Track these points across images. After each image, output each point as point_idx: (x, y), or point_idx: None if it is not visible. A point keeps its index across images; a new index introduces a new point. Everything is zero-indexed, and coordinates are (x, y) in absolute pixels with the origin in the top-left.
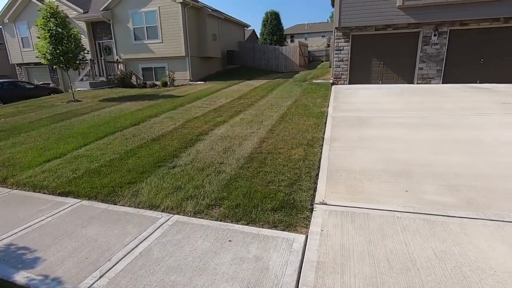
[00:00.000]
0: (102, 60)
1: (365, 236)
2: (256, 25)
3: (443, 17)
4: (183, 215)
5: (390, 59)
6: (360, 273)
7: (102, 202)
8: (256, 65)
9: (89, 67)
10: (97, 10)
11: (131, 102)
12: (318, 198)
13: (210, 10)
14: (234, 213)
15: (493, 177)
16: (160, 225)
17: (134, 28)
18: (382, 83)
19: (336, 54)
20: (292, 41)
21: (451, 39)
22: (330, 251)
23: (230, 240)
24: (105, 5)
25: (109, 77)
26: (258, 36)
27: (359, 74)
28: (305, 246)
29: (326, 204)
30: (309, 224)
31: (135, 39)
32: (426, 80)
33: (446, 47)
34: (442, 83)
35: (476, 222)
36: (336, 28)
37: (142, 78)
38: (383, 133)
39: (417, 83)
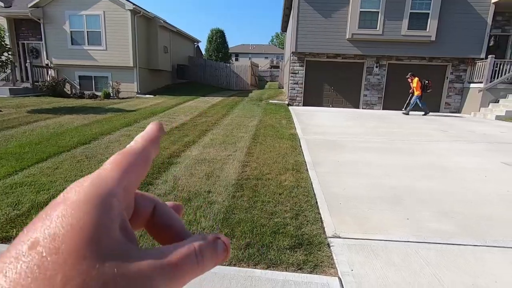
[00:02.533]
0: (28, 64)
1: (397, 273)
2: (201, 41)
3: (383, 52)
4: None
5: (340, 85)
6: None
7: None
8: (207, 81)
9: (9, 71)
10: (24, 6)
11: (72, 115)
12: (328, 231)
13: (162, 21)
14: (248, 255)
15: (475, 203)
16: None
17: (71, 31)
18: (332, 106)
19: (291, 76)
20: (237, 59)
21: (390, 71)
22: None
23: None
24: (35, 1)
25: (36, 83)
26: (203, 52)
27: (312, 97)
28: None
29: (339, 237)
30: (334, 263)
31: (72, 43)
32: (369, 105)
33: (386, 78)
34: (383, 109)
35: (483, 249)
36: (292, 52)
37: (78, 87)
38: (359, 157)
39: (362, 108)
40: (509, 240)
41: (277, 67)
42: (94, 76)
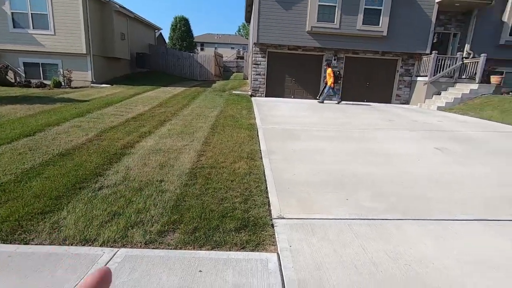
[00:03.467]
0: None
1: (330, 247)
2: (163, 28)
3: (340, 46)
4: (131, 247)
5: (301, 76)
6: (338, 284)
7: (4, 243)
8: (169, 71)
9: None
10: None
11: (15, 105)
12: (274, 212)
13: (118, 6)
14: (194, 238)
15: (407, 184)
16: (106, 264)
17: (12, 13)
18: (293, 97)
19: (254, 68)
20: (202, 49)
21: (347, 64)
22: (305, 266)
23: (200, 271)
24: None
25: None
26: (166, 40)
27: (274, 88)
28: (280, 264)
29: (284, 218)
30: (276, 241)
31: (14, 26)
32: (328, 97)
33: (343, 70)
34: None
35: (406, 222)
36: (254, 43)
37: (23, 75)
38: (312, 145)
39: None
40: (428, 214)
41: (243, 57)
42: (42, 63)
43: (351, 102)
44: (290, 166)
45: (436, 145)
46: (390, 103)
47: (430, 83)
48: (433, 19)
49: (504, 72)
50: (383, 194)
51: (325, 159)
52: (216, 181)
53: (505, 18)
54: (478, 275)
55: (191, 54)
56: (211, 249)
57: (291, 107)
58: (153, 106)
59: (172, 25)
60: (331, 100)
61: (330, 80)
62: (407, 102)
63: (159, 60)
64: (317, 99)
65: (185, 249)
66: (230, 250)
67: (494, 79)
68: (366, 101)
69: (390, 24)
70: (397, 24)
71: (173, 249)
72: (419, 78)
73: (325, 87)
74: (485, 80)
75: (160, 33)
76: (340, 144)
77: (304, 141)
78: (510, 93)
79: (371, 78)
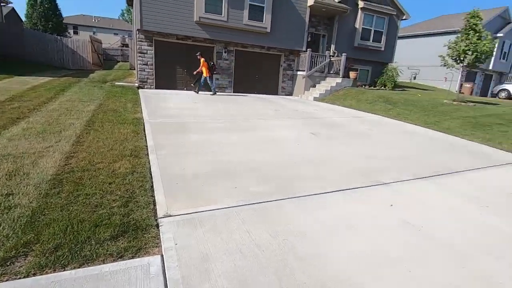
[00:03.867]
0: None
1: (217, 236)
2: (13, 1)
3: (229, 38)
4: None
5: (192, 68)
6: (223, 272)
7: None
8: (30, 56)
9: None
10: None
11: None
12: (161, 211)
13: None
14: (55, 259)
15: (288, 166)
16: None
17: None
18: (186, 89)
19: (140, 57)
20: (76, 33)
21: (237, 57)
22: (190, 261)
23: None
24: None
25: None
26: (23, 19)
27: (165, 80)
28: (164, 266)
29: (171, 215)
30: (160, 242)
31: None
32: (221, 89)
33: (234, 63)
34: (233, 92)
35: (286, 202)
36: (138, 30)
37: None
38: (204, 137)
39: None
40: (304, 191)
41: (129, 45)
42: None
43: (242, 94)
44: (180, 160)
45: (312, 130)
46: (277, 94)
47: (307, 77)
48: (307, 20)
49: (359, 69)
50: (268, 178)
51: (216, 150)
52: (89, 186)
53: (357, 25)
54: (339, 234)
55: (60, 37)
56: (79, 267)
57: (183, 99)
58: (2, 101)
59: (30, 0)
60: (212, 91)
61: (204, 71)
62: (290, 93)
63: (13, 43)
64: (194, 90)
65: (41, 275)
66: (104, 263)
67: (352, 74)
68: (256, 93)
69: (272, 21)
70: (278, 22)
71: (24, 277)
72: (298, 72)
73: (200, 77)
74: (346, 75)
75: (13, 9)
76: (230, 135)
77: (195, 134)
78: (364, 86)
79: (260, 71)
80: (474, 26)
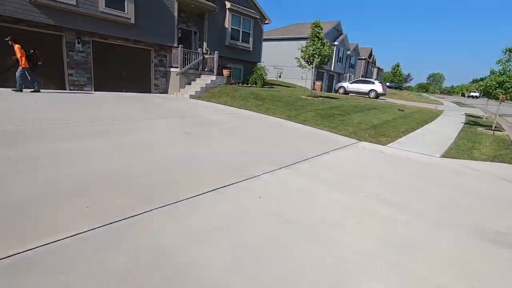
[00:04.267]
0: None
1: (50, 278)
2: None
3: (82, 27)
4: None
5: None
6: None
7: None
8: None
9: None
10: None
11: None
12: None
13: None
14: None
15: (159, 171)
16: None
17: None
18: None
19: None
20: None
21: (96, 49)
22: None
23: None
24: None
25: None
26: None
27: None
28: None
29: None
30: None
31: None
32: (78, 86)
33: (92, 57)
34: (95, 90)
35: (153, 214)
36: None
37: None
38: (51, 147)
39: (69, 90)
40: (176, 197)
41: None
42: None
43: (108, 92)
44: (9, 181)
45: (186, 130)
46: (150, 92)
47: (181, 74)
48: (176, 15)
49: (232, 67)
50: (134, 188)
51: (69, 162)
52: None
53: (226, 25)
54: (210, 239)
55: None
56: None
57: (22, 100)
58: None
59: None
60: (34, 87)
61: (22, 60)
62: (165, 91)
63: None
64: (16, 89)
65: None
66: None
67: (225, 72)
68: (125, 91)
69: (137, 12)
70: (144, 14)
71: None
72: (172, 69)
73: (16, 70)
74: (220, 72)
75: None
76: (89, 141)
77: (37, 143)
78: (237, 83)
79: (127, 67)
80: (318, 34)
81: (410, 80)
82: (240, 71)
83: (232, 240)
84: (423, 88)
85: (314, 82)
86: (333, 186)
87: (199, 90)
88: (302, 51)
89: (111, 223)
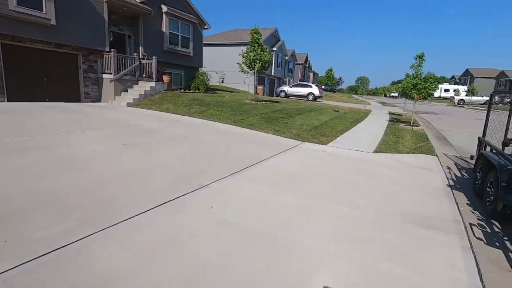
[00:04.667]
0: None
1: None
2: None
3: None
4: None
5: None
6: None
7: None
8: None
9: None
10: None
11: None
12: None
13: None
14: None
15: (97, 190)
16: None
17: None
18: None
19: None
20: None
21: (8, 53)
22: None
23: None
24: None
25: None
26: None
27: None
28: None
29: None
30: None
31: None
32: None
33: (3, 62)
34: (8, 100)
35: (91, 238)
36: None
37: None
38: None
39: None
40: (118, 217)
41: None
42: None
43: (26, 103)
44: None
45: (125, 141)
46: (80, 101)
47: (116, 81)
48: (106, 17)
49: (172, 73)
50: (68, 211)
51: None
52: None
53: (164, 29)
54: (159, 257)
55: None
56: None
57: None
58: None
59: None
60: None
61: None
62: (98, 99)
63: None
64: None
65: None
66: None
67: (166, 78)
68: (48, 100)
69: (59, 12)
70: (69, 14)
71: None
72: (104, 75)
73: None
74: (160, 79)
75: None
76: (7, 160)
77: None
78: (179, 89)
79: (50, 74)
80: (257, 40)
81: (341, 83)
82: (181, 77)
83: (184, 258)
84: (353, 90)
85: (256, 87)
86: (282, 189)
87: (138, 97)
88: (243, 57)
89: (42, 255)
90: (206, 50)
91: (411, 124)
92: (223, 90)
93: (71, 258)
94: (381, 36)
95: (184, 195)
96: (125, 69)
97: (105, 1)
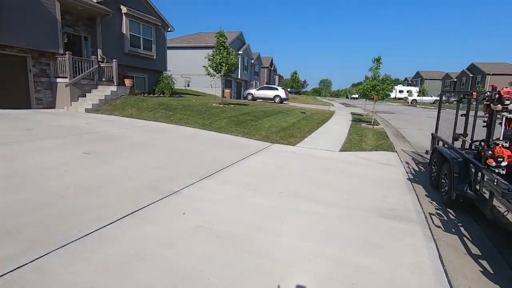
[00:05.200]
0: None
1: None
2: None
3: None
4: None
5: None
6: None
7: None
8: None
9: None
10: None
11: None
12: None
13: None
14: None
15: (55, 205)
16: None
17: None
18: None
19: None
20: None
21: None
22: None
23: None
24: None
25: None
26: None
27: None
28: None
29: None
30: None
31: None
32: None
33: None
34: None
35: (51, 257)
36: None
37: None
38: None
39: None
40: (84, 229)
41: None
42: None
43: None
44: None
45: (85, 149)
46: (31, 108)
47: (72, 85)
48: (59, 17)
49: (135, 77)
50: (20, 230)
51: None
52: None
53: (124, 31)
54: (136, 272)
55: None
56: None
57: None
58: None
59: None
60: None
61: None
62: (52, 106)
63: None
64: None
65: None
66: None
67: (128, 82)
68: None
69: (3, 11)
70: (14, 14)
71: None
72: (59, 80)
73: None
74: (121, 83)
75: None
76: None
77: None
78: (143, 94)
79: None
80: (223, 43)
81: (306, 85)
82: (144, 81)
83: (159, 268)
84: (316, 92)
85: (223, 90)
86: (255, 191)
87: (97, 102)
88: (209, 60)
89: None
90: (170, 53)
91: (372, 123)
92: (190, 94)
93: (29, 282)
94: (339, 40)
95: (153, 203)
96: (82, 72)
97: (57, 0)
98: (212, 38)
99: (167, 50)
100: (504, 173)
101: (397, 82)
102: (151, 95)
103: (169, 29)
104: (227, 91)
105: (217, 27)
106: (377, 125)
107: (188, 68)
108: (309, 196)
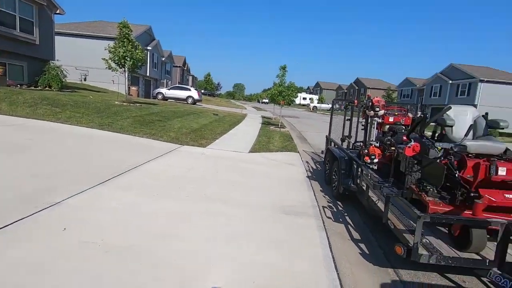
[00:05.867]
0: None
1: None
2: None
3: None
4: None
5: None
6: None
7: None
8: None
9: None
10: None
11: None
12: None
13: None
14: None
15: None
16: None
17: None
18: None
19: None
20: None
21: None
22: None
23: None
24: None
25: None
26: None
27: None
28: None
29: None
30: None
31: None
32: None
33: None
34: None
35: None
36: None
37: None
38: None
39: None
40: None
41: None
42: None
43: None
44: None
45: None
46: None
47: None
48: None
49: (7, 64)
50: None
51: None
52: None
53: None
54: None
55: None
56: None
57: None
58: None
59: None
60: None
61: None
62: None
63: None
64: None
65: None
66: None
67: None
68: None
69: None
70: None
71: None
72: None
73: None
74: None
75: None
76: None
77: None
78: (20, 85)
79: None
80: (127, 35)
81: (220, 88)
82: (22, 70)
83: None
84: (230, 95)
85: (129, 87)
86: (160, 195)
87: None
88: (110, 52)
89: None
90: (61, 40)
91: (279, 126)
92: (86, 89)
93: None
94: (251, 47)
95: (25, 217)
96: None
97: None
98: (115, 29)
99: (56, 36)
100: (376, 169)
101: (300, 90)
102: (32, 87)
103: (57, 11)
104: (133, 88)
105: (122, 17)
106: (283, 128)
107: (85, 60)
108: (217, 198)
